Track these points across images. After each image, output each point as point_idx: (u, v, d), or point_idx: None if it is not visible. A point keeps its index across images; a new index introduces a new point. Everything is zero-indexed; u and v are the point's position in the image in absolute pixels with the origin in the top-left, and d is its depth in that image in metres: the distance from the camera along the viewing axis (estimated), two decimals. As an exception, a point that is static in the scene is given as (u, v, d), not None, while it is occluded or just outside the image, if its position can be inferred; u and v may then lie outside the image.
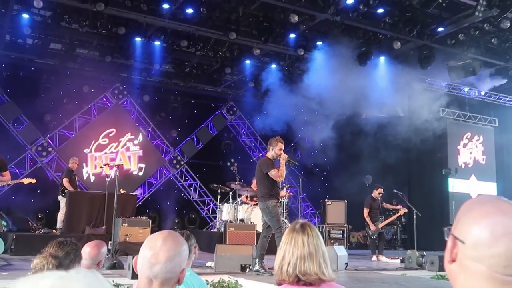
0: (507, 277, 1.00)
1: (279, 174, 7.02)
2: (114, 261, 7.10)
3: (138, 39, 11.88)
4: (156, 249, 1.63)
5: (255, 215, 11.07)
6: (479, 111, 15.87)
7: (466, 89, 15.02)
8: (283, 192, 11.28)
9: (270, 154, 7.22)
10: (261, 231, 10.62)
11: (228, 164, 15.23)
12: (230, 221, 11.05)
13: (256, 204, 11.68)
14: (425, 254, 8.50)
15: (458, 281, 1.06)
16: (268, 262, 6.71)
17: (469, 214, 1.08)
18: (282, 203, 11.53)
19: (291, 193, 11.62)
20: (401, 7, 10.79)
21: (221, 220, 11.68)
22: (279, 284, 2.15)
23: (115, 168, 8.74)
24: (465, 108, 15.56)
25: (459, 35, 11.74)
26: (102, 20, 10.94)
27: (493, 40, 12.10)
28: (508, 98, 15.64)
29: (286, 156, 7.21)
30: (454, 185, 14.15)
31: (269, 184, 7.08)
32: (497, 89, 14.94)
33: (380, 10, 10.89)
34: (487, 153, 15.75)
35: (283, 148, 7.23)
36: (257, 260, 6.93)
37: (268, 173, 7.01)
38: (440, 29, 11.48)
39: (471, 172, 15.25)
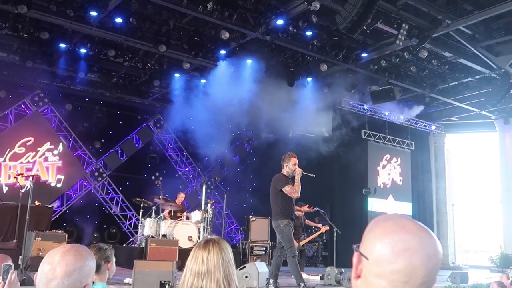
0: None
1: (293, 190, 6.87)
2: (24, 277, 6.66)
3: (62, 45, 11.42)
4: (54, 264, 1.54)
5: (178, 231, 10.87)
6: (397, 134, 16.69)
7: (387, 113, 15.77)
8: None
9: (285, 171, 7.06)
10: (183, 246, 10.49)
11: (153, 178, 14.91)
12: (152, 237, 10.77)
13: (180, 219, 11.50)
14: (343, 271, 8.71)
15: None
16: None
17: (373, 231, 1.11)
18: (206, 219, 11.41)
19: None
20: (328, 31, 11.20)
21: (143, 235, 11.36)
22: None
23: (30, 179, 8.28)
24: (385, 131, 16.31)
25: (381, 62, 12.35)
26: (24, 23, 10.38)
27: (412, 68, 12.82)
28: (424, 124, 16.60)
29: (301, 170, 6.99)
30: (373, 204, 14.73)
31: (282, 201, 6.91)
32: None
33: (309, 33, 11.22)
34: (404, 174, 16.56)
35: (297, 163, 7.05)
36: (271, 280, 6.81)
37: (283, 189, 6.87)
38: (364, 54, 12.02)
39: (389, 192, 15.95)
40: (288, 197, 6.97)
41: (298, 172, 6.94)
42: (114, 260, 3.43)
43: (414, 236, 1.07)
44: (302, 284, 6.82)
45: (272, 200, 7.10)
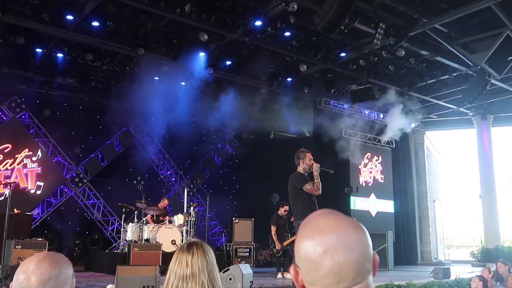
0: None
1: (315, 187, 6.50)
2: (3, 287, 6.56)
3: (38, 50, 11.28)
4: (29, 273, 1.51)
5: (161, 235, 10.79)
6: (378, 133, 16.80)
7: (367, 111, 15.89)
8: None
9: (301, 168, 6.67)
10: (166, 250, 10.42)
11: (135, 182, 14.78)
12: (135, 241, 10.67)
13: (162, 223, 11.41)
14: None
15: None
16: None
17: (297, 239, 1.10)
18: (189, 222, 11.35)
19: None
20: (307, 31, 11.24)
21: (126, 240, 11.25)
22: None
23: (8, 186, 8.17)
24: (365, 129, 16.40)
25: (360, 61, 12.46)
26: (-2, 29, 10.27)
27: (390, 67, 12.96)
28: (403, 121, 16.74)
29: (319, 165, 6.63)
30: (356, 202, 14.80)
31: (303, 200, 6.51)
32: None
33: (287, 34, 11.26)
34: (385, 172, 16.69)
35: (312, 158, 6.71)
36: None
37: (303, 188, 6.47)
38: (343, 54, 12.10)
39: (371, 190, 16.06)
40: (309, 196, 6.58)
41: (316, 167, 6.60)
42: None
43: (330, 235, 1.05)
44: None
45: (292, 200, 6.69)
